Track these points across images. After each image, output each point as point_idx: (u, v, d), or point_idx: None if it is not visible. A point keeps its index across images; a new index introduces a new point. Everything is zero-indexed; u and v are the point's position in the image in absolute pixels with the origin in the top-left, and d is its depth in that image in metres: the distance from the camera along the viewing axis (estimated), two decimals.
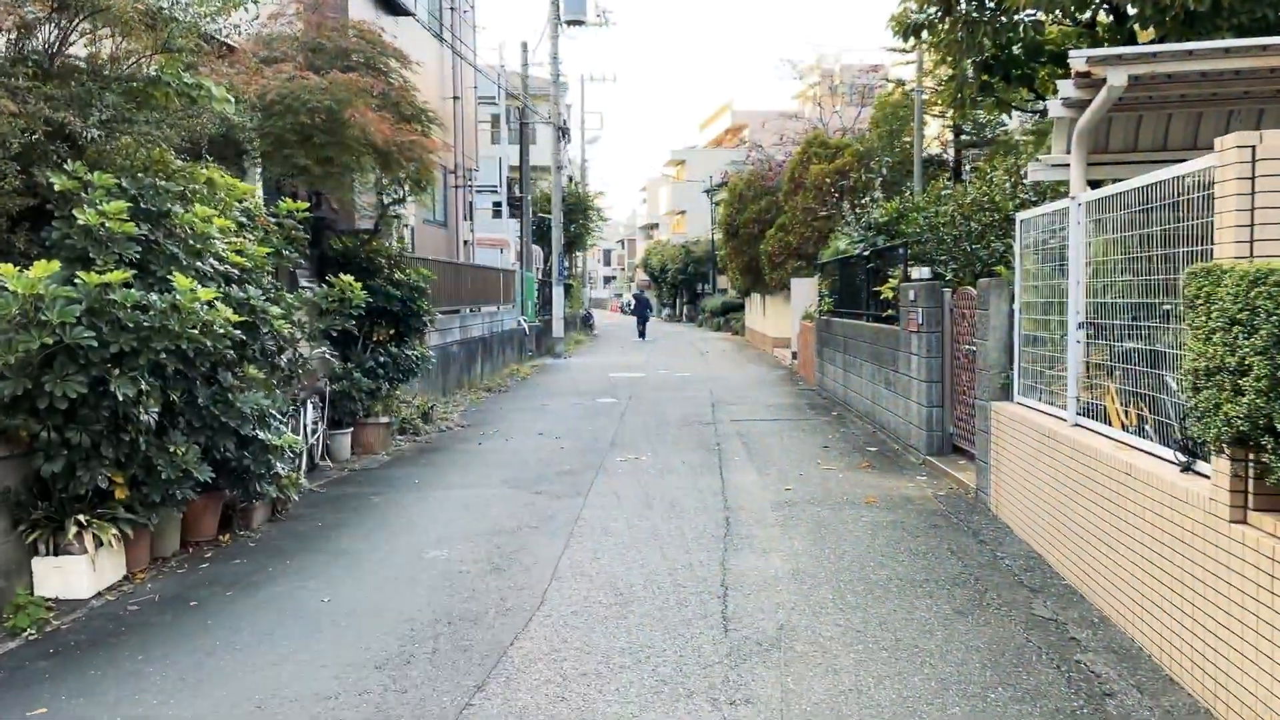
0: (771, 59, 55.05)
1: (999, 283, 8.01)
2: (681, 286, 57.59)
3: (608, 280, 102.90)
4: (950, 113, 22.45)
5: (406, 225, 17.20)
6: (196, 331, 5.93)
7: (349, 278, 7.92)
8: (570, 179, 45.03)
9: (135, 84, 6.06)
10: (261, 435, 7.07)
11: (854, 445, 11.28)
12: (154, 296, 5.74)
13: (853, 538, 7.10)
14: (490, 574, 6.36)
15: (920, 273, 10.14)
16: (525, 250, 28.82)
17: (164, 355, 5.85)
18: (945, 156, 23.33)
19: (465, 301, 19.03)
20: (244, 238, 7.74)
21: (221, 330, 6.31)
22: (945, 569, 6.30)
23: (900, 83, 23.90)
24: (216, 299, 6.19)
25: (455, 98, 21.10)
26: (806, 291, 21.47)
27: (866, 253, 12.69)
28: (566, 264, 43.75)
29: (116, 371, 5.64)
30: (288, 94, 8.78)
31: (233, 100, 6.35)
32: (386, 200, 11.14)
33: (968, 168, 22.35)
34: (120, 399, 5.59)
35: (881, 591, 5.84)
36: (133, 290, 5.72)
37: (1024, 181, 11.59)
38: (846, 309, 14.89)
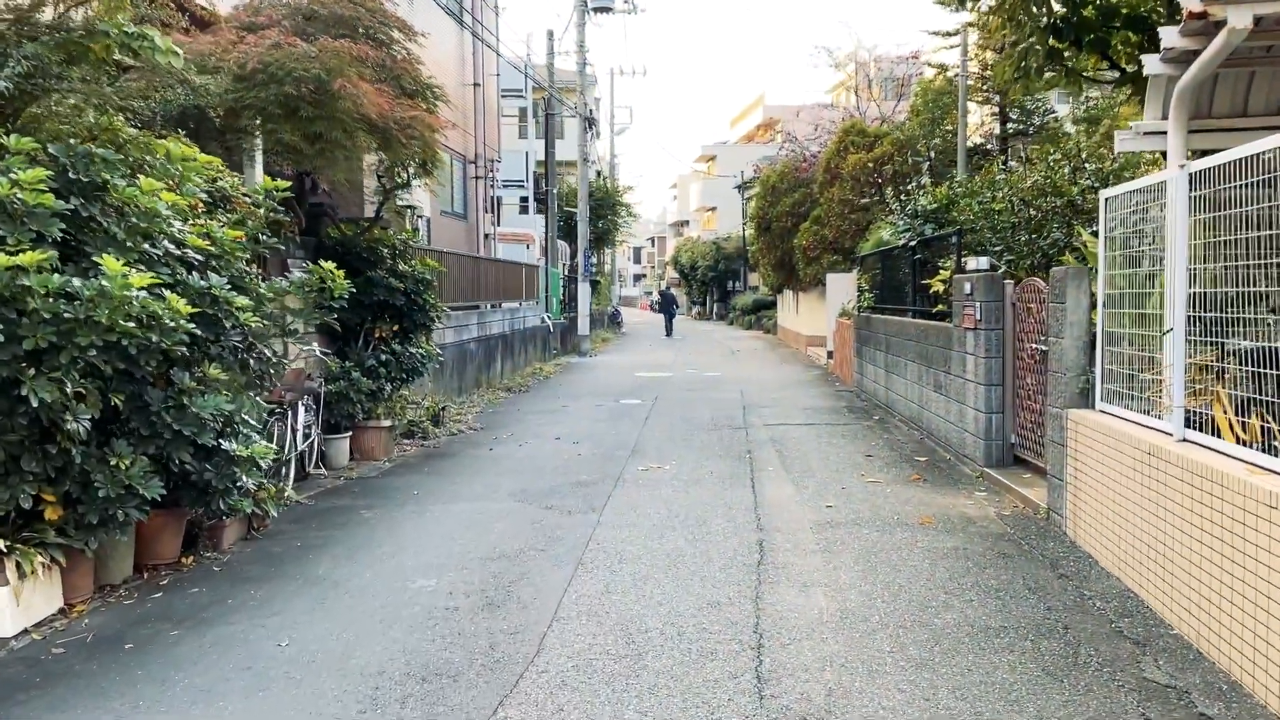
0: (806, 48, 53.65)
1: (1078, 272, 6.94)
2: (712, 284, 56.49)
3: (638, 278, 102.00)
4: (997, 97, 21.29)
5: (421, 216, 16.32)
6: (133, 325, 5.01)
7: (330, 265, 6.99)
8: (599, 174, 44.10)
9: (65, 33, 5.16)
10: (225, 445, 6.15)
11: (900, 454, 10.22)
12: (77, 283, 4.82)
13: (909, 568, 6.07)
14: (482, 611, 5.40)
15: (977, 263, 9.06)
16: (550, 245, 27.93)
17: (94, 352, 4.94)
18: (989, 146, 22.11)
19: (485, 297, 18.14)
20: (215, 219, 6.85)
21: (172, 323, 5.40)
22: (1024, 612, 5.25)
23: (942, 68, 22.73)
24: (159, 285, 5.27)
25: (475, 84, 20.22)
26: (843, 287, 20.39)
27: (913, 243, 11.63)
28: (594, 260, 42.86)
29: (32, 371, 4.74)
30: (271, 62, 7.88)
31: (179, 52, 5.43)
32: (388, 184, 10.21)
33: (1009, 161, 21.15)
34: (37, 403, 4.68)
35: (950, 643, 4.80)
36: (55, 275, 4.81)
37: (1085, 165, 10.52)
38: (889, 305, 13.81)
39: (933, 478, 8.94)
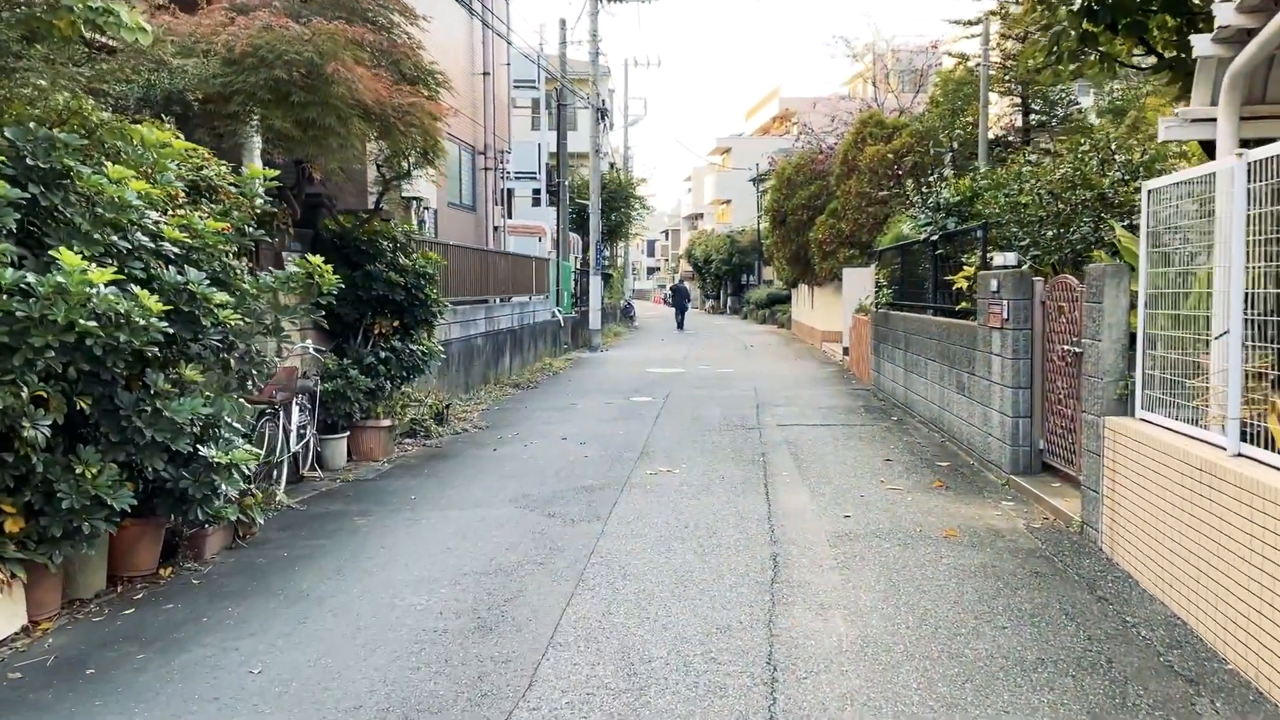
0: (822, 38, 52.89)
1: (1117, 269, 6.47)
2: (725, 277, 55.93)
3: (651, 271, 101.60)
4: (1019, 88, 20.73)
5: (428, 207, 15.95)
6: (95, 324, 4.62)
7: (318, 259, 6.60)
8: (612, 166, 43.65)
9: (26, 8, 4.76)
10: (204, 451, 5.77)
11: (921, 458, 9.77)
12: (32, 278, 4.44)
13: (935, 588, 5.64)
14: (473, 634, 5.00)
15: (1005, 259, 8.60)
16: (561, 238, 27.50)
17: (52, 353, 4.56)
18: (1010, 139, 21.54)
19: (493, 291, 17.75)
20: (200, 210, 6.46)
21: (142, 322, 5.01)
22: (1063, 641, 4.81)
23: (963, 58, 22.17)
24: (129, 281, 4.89)
25: (485, 73, 19.80)
26: (860, 282, 19.91)
27: (934, 237, 11.15)
28: (606, 253, 42.43)
29: None
30: (261, 45, 7.47)
31: (148, 29, 5.03)
32: (388, 175, 9.80)
33: (1033, 154, 20.60)
34: None
35: (983, 678, 4.37)
36: (8, 270, 4.43)
37: (1114, 157, 10.03)
38: (908, 301, 13.34)
39: (956, 485, 8.49)
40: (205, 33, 7.66)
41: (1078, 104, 20.85)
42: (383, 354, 9.86)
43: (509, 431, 11.85)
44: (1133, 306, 6.31)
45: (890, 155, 20.68)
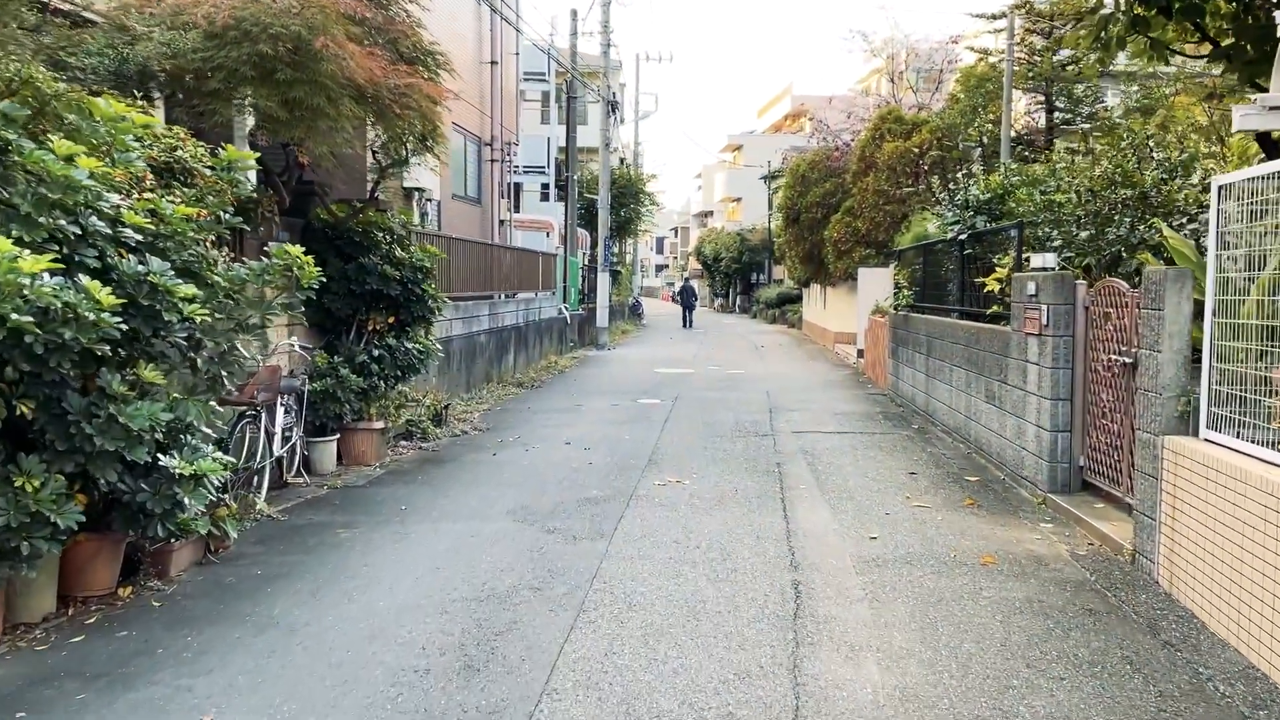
0: (838, 34, 51.88)
1: (1180, 273, 5.86)
2: (735, 276, 55.26)
3: (660, 269, 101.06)
4: (1043, 84, 20.06)
5: (430, 199, 15.39)
6: (31, 319, 4.05)
7: (298, 249, 6.01)
8: (621, 161, 43.08)
9: None
10: (165, 461, 5.20)
11: (947, 472, 9.16)
12: None
13: (977, 628, 5.04)
14: (458, 676, 4.42)
15: (1043, 260, 7.98)
16: (570, 233, 26.89)
17: None
18: (1031, 138, 20.87)
19: (498, 287, 17.18)
20: (174, 193, 5.90)
21: (91, 316, 4.44)
22: (1130, 699, 4.21)
23: (984, 53, 21.51)
24: (62, 269, 4.31)
25: (492, 62, 19.22)
26: (876, 283, 19.29)
27: (962, 236, 10.53)
28: (615, 249, 41.86)
29: None
30: (245, 17, 6.89)
31: None
32: (384, 161, 9.22)
33: (1060, 151, 19.96)
34: None
35: None
36: None
37: (1153, 155, 9.43)
38: (931, 303, 12.72)
39: (988, 502, 7.89)
40: (186, 3, 7.09)
41: (1104, 102, 20.18)
42: (376, 352, 9.29)
43: (510, 434, 11.27)
44: (1197, 314, 5.70)
45: (911, 152, 20.04)
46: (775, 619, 5.15)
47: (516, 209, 37.57)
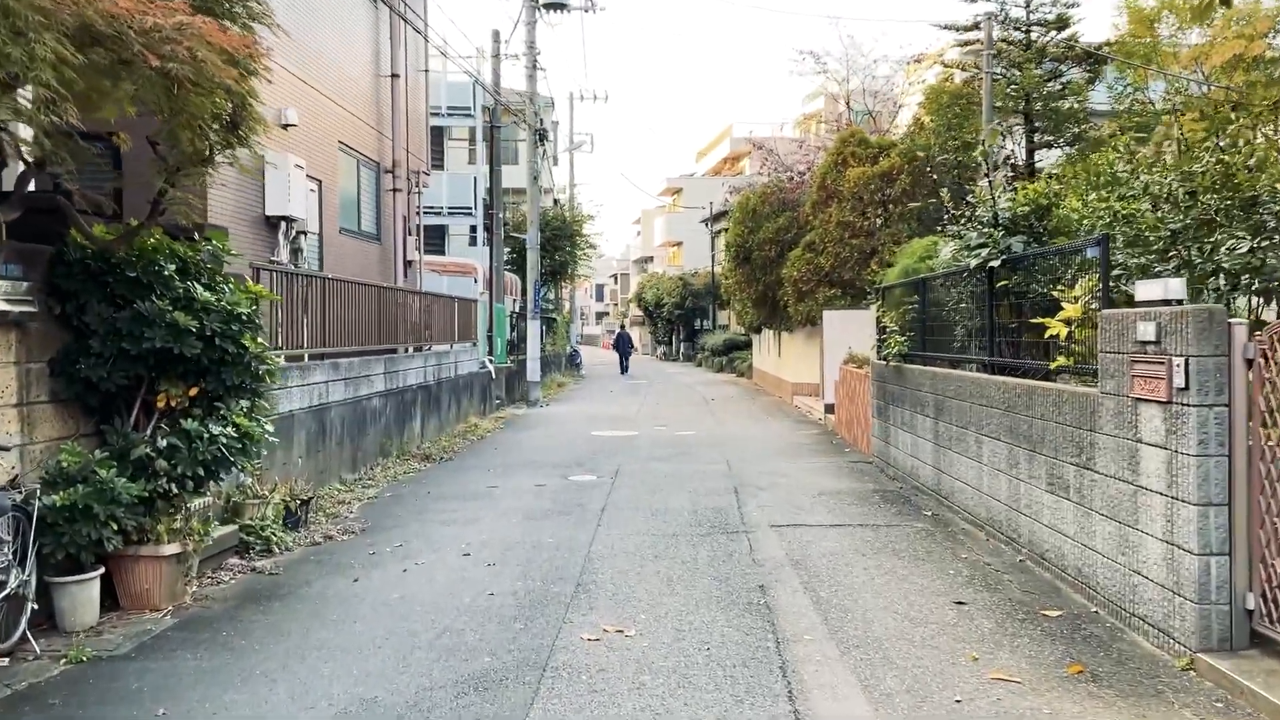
0: (783, 62, 50.20)
1: None
2: (678, 322, 52.65)
3: (600, 316, 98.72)
4: (1025, 100, 17.79)
5: (305, 231, 12.38)
6: None
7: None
8: (556, 202, 40.36)
9: None
10: None
11: (1010, 600, 6.33)
12: None
13: None
14: None
15: (1162, 289, 5.28)
16: (495, 278, 23.83)
17: None
18: (1013, 160, 18.52)
19: (401, 339, 14.19)
20: None
21: None
22: None
23: (958, 66, 19.23)
24: None
25: (393, 75, 16.37)
26: (845, 327, 16.69)
27: (994, 263, 7.84)
28: (550, 295, 38.97)
29: None
30: None
31: None
32: (172, 160, 6.21)
33: (1045, 170, 17.64)
34: None
35: None
36: None
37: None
38: (938, 352, 10.04)
39: (1103, 668, 5.06)
40: None
41: (1090, 122, 17.96)
42: (165, 443, 6.23)
43: (390, 539, 8.26)
44: None
45: (878, 179, 17.57)
46: None
47: (442, 251, 34.64)
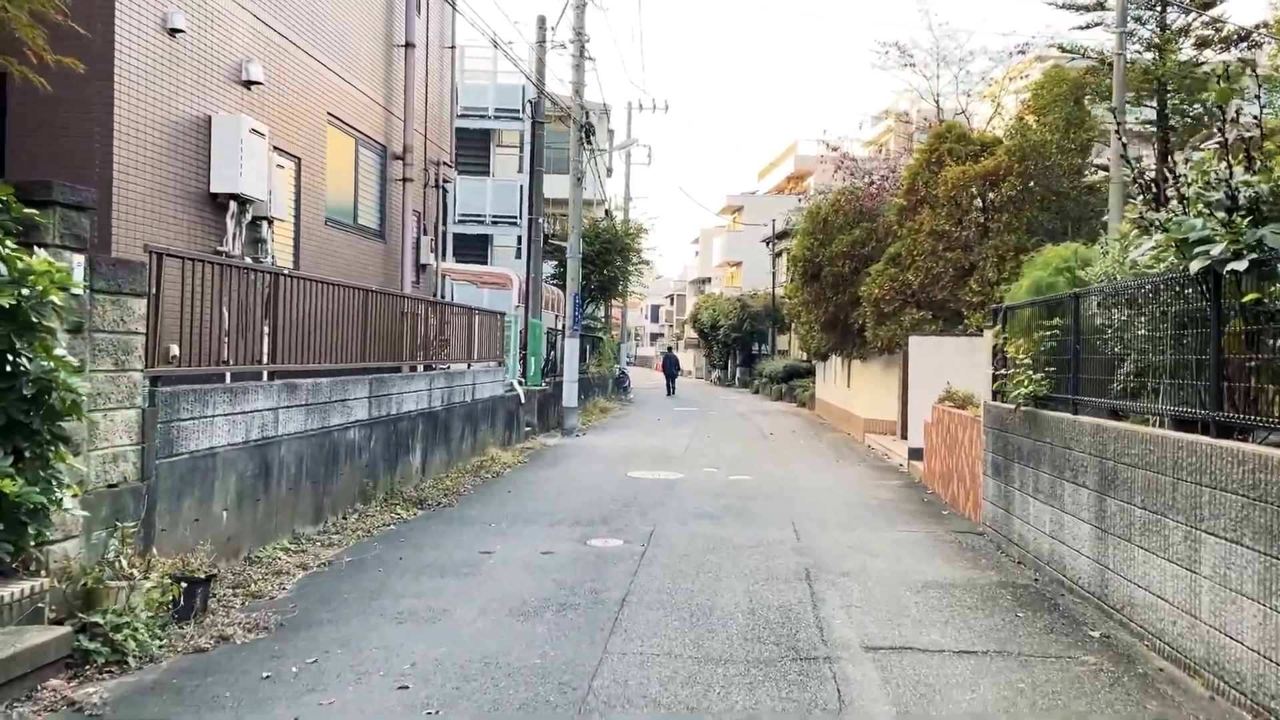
0: (862, 60, 46.77)
1: None
2: (735, 346, 49.69)
3: (655, 337, 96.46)
4: (1160, 87, 14.77)
5: (266, 217, 9.87)
6: None
7: None
8: (607, 213, 37.80)
9: None
10: None
11: None
12: None
13: None
14: None
15: None
16: (532, 289, 21.28)
17: None
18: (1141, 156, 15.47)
19: (402, 355, 11.69)
20: None
21: None
22: None
23: (1080, 52, 16.26)
24: None
25: (408, 45, 13.92)
26: (937, 357, 13.82)
27: (1238, 265, 4.99)
28: (599, 312, 36.42)
29: None
30: None
31: None
32: None
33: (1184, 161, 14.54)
34: None
35: None
36: None
37: None
38: (1102, 397, 7.16)
39: None
40: None
41: (1230, 113, 14.86)
42: None
43: (312, 644, 5.64)
44: None
45: (980, 180, 14.67)
46: None
47: (485, 262, 32.31)
